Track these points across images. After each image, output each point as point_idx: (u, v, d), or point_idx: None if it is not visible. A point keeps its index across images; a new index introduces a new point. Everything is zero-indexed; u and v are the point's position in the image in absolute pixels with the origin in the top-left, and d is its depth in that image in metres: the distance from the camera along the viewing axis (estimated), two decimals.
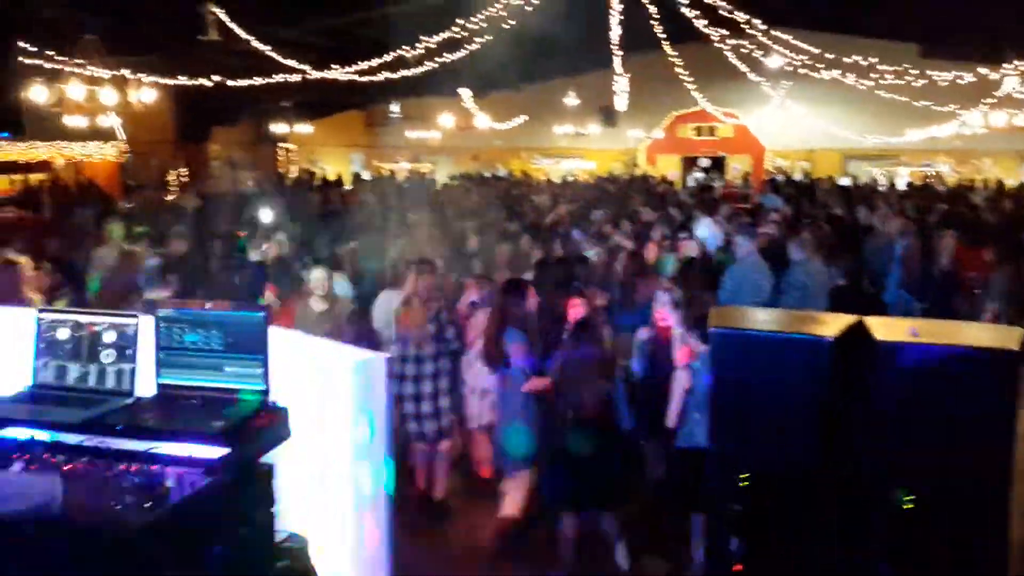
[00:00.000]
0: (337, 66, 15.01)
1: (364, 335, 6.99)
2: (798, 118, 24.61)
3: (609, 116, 26.06)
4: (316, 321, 6.06)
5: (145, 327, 2.87)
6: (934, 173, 23.82)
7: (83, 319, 2.91)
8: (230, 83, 15.05)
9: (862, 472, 3.42)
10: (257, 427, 2.64)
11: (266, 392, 2.75)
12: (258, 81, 15.27)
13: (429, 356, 5.97)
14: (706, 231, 9.72)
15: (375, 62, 14.52)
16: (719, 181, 24.09)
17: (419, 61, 14.98)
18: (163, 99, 20.54)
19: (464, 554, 5.69)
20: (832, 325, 3.55)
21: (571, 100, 25.02)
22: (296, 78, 15.00)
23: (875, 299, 7.88)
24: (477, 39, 13.72)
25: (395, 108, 28.57)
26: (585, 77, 23.80)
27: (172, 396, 2.80)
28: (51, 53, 11.09)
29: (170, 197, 17.79)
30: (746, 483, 3.42)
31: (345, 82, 16.47)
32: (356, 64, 14.87)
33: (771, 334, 3.49)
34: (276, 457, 2.76)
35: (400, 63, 14.60)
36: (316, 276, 6.62)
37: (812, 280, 7.60)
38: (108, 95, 11.54)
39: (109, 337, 2.87)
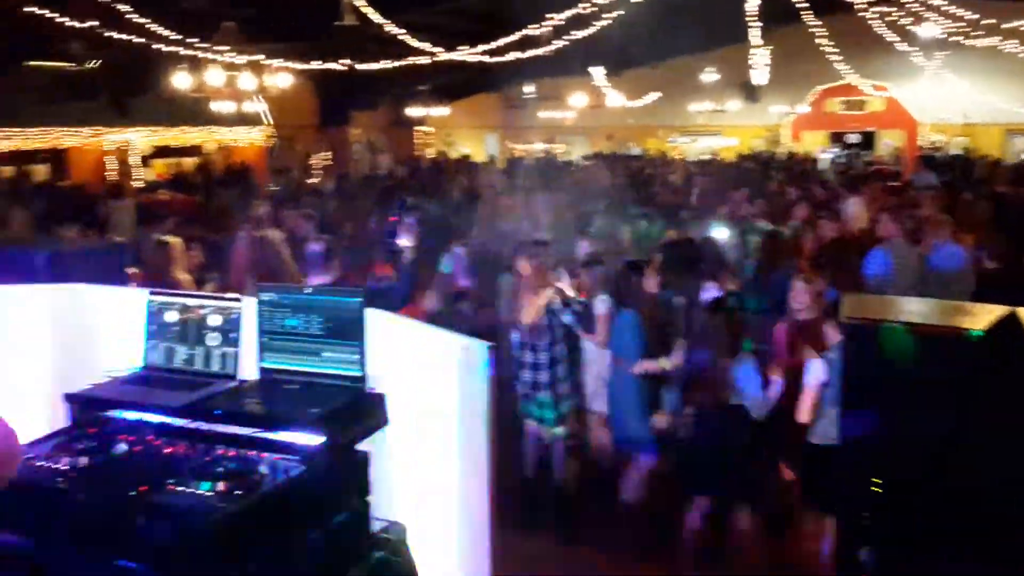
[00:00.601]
0: (466, 47, 15.03)
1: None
2: (955, 90, 22.98)
3: (751, 91, 25.16)
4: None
5: (249, 311, 2.87)
6: None
7: (191, 302, 2.95)
8: (365, 67, 15.31)
9: (1012, 483, 3.08)
10: (353, 414, 2.60)
11: (363, 379, 2.70)
12: (391, 65, 15.48)
13: (544, 343, 5.86)
14: (850, 210, 9.14)
15: (503, 42, 14.45)
16: (863, 157, 22.72)
17: (549, 40, 14.82)
18: (305, 85, 21.26)
19: (578, 543, 5.56)
20: (980, 317, 3.21)
21: (709, 75, 24.28)
22: (429, 60, 15.13)
23: None
24: (607, 15, 13.43)
25: (530, 89, 28.50)
26: (724, 51, 23.02)
27: (273, 381, 2.79)
28: (193, 41, 11.56)
29: (312, 180, 18.36)
30: (879, 489, 3.14)
31: (480, 64, 16.54)
32: (486, 45, 14.85)
33: (910, 326, 3.17)
34: (375, 444, 2.71)
35: (530, 42, 14.48)
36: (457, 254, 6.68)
37: (955, 264, 7.02)
38: (247, 81, 11.95)
39: (215, 320, 2.89)
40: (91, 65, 15.93)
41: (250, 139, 21.50)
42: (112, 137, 18.32)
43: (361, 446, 2.67)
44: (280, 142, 22.86)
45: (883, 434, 3.18)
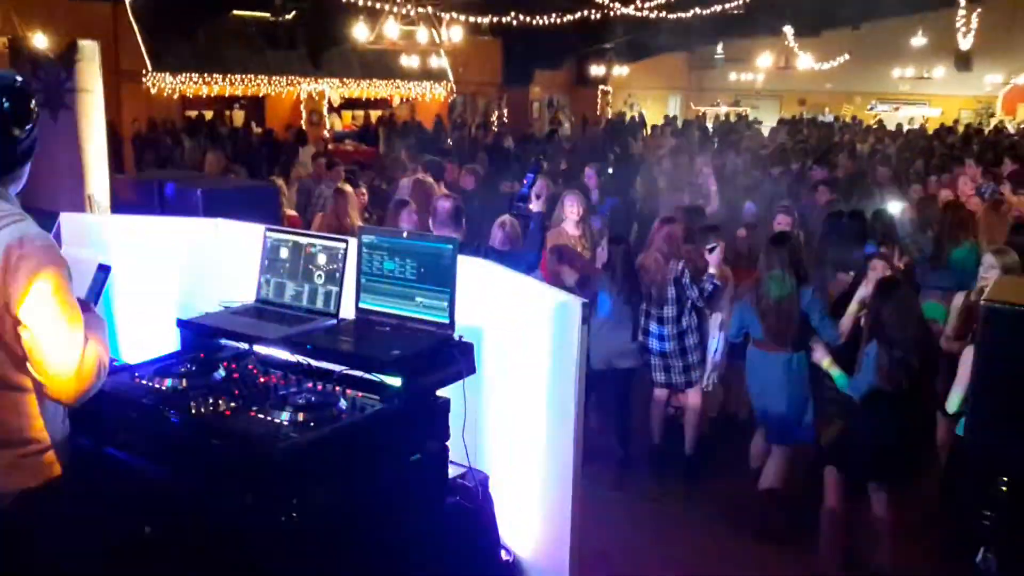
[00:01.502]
0: (640, 2, 14.68)
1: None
2: None
3: (963, 59, 23.22)
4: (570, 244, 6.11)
5: (352, 252, 2.95)
6: None
7: (302, 240, 3.05)
8: (545, 21, 15.29)
9: None
10: (436, 360, 2.62)
11: (450, 325, 2.72)
12: (571, 19, 15.37)
13: (671, 314, 5.73)
14: None
15: None
16: None
17: None
18: (490, 43, 21.57)
19: (681, 513, 5.43)
20: None
21: (916, 40, 22.58)
22: (608, 14, 14.91)
23: None
24: None
25: (719, 49, 27.59)
26: (932, 14, 21.29)
27: (367, 322, 2.86)
28: None
29: (488, 138, 18.63)
30: (1006, 488, 2.86)
31: (665, 21, 16.13)
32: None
33: None
34: (463, 391, 2.73)
35: None
36: (570, 201, 6.60)
37: None
38: (423, 33, 12.22)
39: (321, 259, 2.98)
40: (289, 17, 16.83)
41: (434, 94, 22.07)
42: (306, 87, 19.31)
43: (447, 392, 2.70)
44: (462, 98, 23.35)
45: (1017, 429, 2.89)
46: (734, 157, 12.91)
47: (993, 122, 24.44)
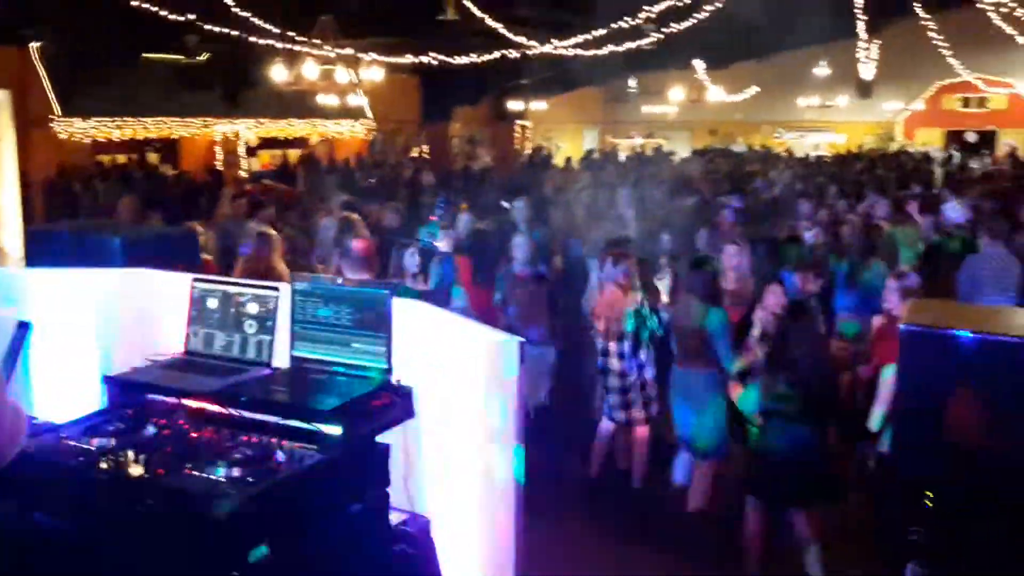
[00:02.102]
0: (560, 40, 14.98)
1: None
2: None
3: (863, 87, 24.24)
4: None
5: (284, 299, 2.91)
6: None
7: (231, 289, 3.00)
8: (463, 61, 15.47)
9: None
10: (375, 407, 2.60)
11: (389, 370, 2.70)
12: (487, 58, 15.58)
13: (627, 348, 5.79)
14: (949, 214, 8.72)
15: (600, 33, 14.33)
16: (980, 160, 21.48)
17: (649, 32, 14.61)
18: (408, 80, 21.62)
19: (626, 544, 5.46)
20: None
21: (819, 70, 23.50)
22: (525, 53, 15.16)
23: None
24: (707, 7, 13.14)
25: (631, 83, 28.21)
26: (834, 45, 22.20)
27: (302, 370, 2.82)
28: (291, 34, 11.88)
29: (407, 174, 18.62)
30: (931, 503, 2.96)
31: (581, 58, 16.43)
32: (583, 36, 14.76)
33: (969, 335, 2.98)
34: (401, 437, 2.71)
35: (628, 35, 14.32)
36: (518, 243, 6.68)
37: None
38: (343, 75, 12.22)
39: (252, 308, 2.93)
40: (202, 58, 16.61)
41: (352, 132, 21.98)
42: (221, 128, 19.03)
43: (387, 438, 2.68)
44: (381, 136, 23.31)
45: (939, 447, 3.00)
46: (650, 188, 13.17)
47: (894, 146, 25.52)
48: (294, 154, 21.07)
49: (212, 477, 2.26)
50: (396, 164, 20.45)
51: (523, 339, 2.87)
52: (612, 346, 5.88)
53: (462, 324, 3.09)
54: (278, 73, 12.52)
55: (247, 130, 19.54)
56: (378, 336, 2.73)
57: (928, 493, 2.95)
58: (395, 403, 2.66)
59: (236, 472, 2.28)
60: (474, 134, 26.96)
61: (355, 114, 20.80)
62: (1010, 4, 14.63)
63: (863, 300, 6.84)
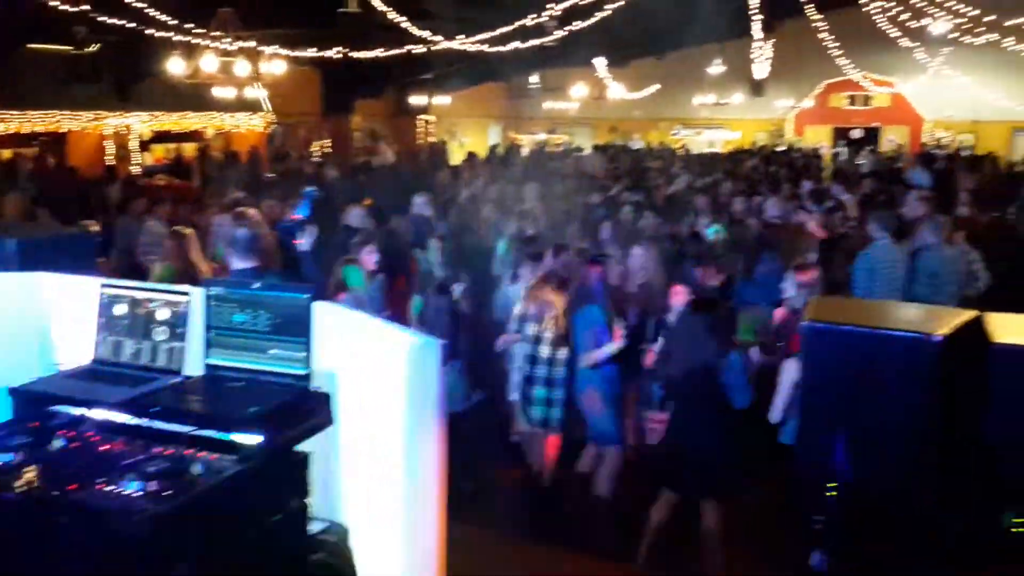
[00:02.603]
0: (465, 36, 14.97)
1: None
2: (961, 87, 22.88)
3: (755, 85, 25.05)
4: None
5: (197, 304, 2.84)
6: None
7: (140, 295, 2.91)
8: (364, 55, 15.29)
9: (969, 491, 3.04)
10: (294, 414, 2.57)
11: (307, 377, 2.67)
12: (391, 53, 15.45)
13: (564, 352, 5.84)
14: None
15: (505, 30, 14.39)
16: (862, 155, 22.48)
17: (552, 30, 14.74)
18: (309, 72, 21.21)
19: (548, 542, 5.53)
20: (945, 322, 3.16)
21: (714, 68, 24.14)
22: (430, 48, 15.09)
23: None
24: (609, 5, 13.35)
25: (534, 79, 28.39)
26: (728, 45, 22.86)
27: (216, 378, 2.76)
28: (190, 26, 11.52)
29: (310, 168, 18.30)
30: (834, 494, 3.10)
31: (484, 54, 16.45)
32: (487, 33, 14.78)
33: (870, 330, 3.13)
34: (320, 444, 2.68)
35: (532, 32, 14.42)
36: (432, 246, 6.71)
37: (945, 268, 6.97)
38: (244, 68, 11.91)
39: (163, 314, 2.86)
40: (92, 49, 15.92)
41: (251, 126, 21.45)
42: (112, 121, 18.29)
43: (306, 445, 2.65)
44: (281, 129, 22.83)
45: (839, 438, 3.15)
46: (555, 184, 13.31)
47: (785, 143, 26.46)
48: (190, 148, 20.45)
49: (126, 492, 2.19)
50: (298, 158, 20.06)
51: (444, 341, 2.89)
52: (543, 351, 5.84)
53: (381, 327, 3.07)
54: (175, 66, 12.11)
55: (140, 124, 18.84)
56: (297, 341, 2.69)
57: (831, 483, 3.08)
58: (314, 410, 2.63)
59: (152, 486, 2.21)
60: (376, 128, 26.68)
61: (253, 107, 20.29)
62: (894, 7, 15.34)
63: (762, 293, 7.09)
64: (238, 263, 4.61)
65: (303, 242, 5.58)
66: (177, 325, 2.83)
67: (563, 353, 5.78)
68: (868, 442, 3.13)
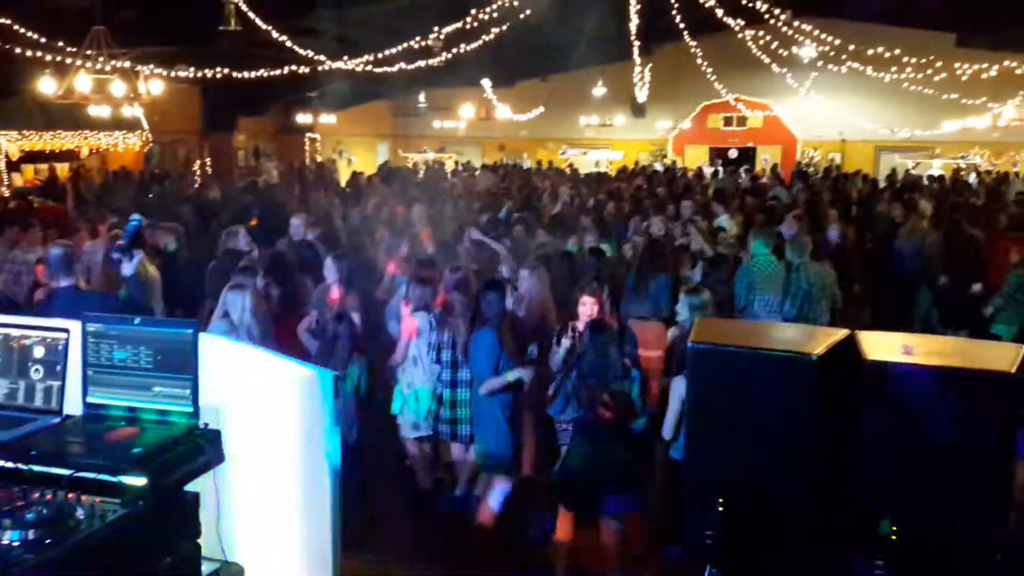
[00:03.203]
0: (348, 57, 14.87)
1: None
2: (829, 109, 24.23)
3: (637, 107, 25.74)
4: None
5: (76, 341, 2.73)
6: (965, 165, 23.23)
7: (14, 332, 2.78)
8: (246, 75, 14.99)
9: (849, 503, 3.20)
10: (181, 453, 2.49)
11: (195, 414, 2.60)
12: (274, 73, 15.20)
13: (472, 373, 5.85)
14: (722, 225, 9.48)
15: (392, 51, 14.36)
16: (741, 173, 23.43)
17: (438, 51, 14.80)
18: (189, 89, 20.62)
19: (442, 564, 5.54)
20: (820, 341, 3.33)
21: (597, 90, 24.69)
22: (320, 68, 14.92)
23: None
24: (494, 28, 13.51)
25: (422, 98, 28.40)
26: (611, 67, 23.45)
27: (98, 418, 2.66)
28: (60, 44, 11.06)
29: (193, 188, 17.76)
30: (722, 509, 3.22)
31: (371, 72, 16.35)
32: (374, 54, 14.72)
33: (750, 350, 3.27)
34: (211, 482, 2.62)
35: (418, 54, 14.43)
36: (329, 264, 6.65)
37: (815, 285, 7.35)
38: (119, 87, 11.48)
39: (39, 352, 2.73)
40: None
41: (127, 144, 20.67)
42: None
43: (195, 484, 2.57)
44: (160, 148, 22.11)
45: (727, 456, 3.27)
46: (446, 203, 13.34)
47: (667, 162, 27.28)
48: (63, 167, 19.53)
49: (4, 542, 2.09)
50: (178, 178, 19.43)
51: (337, 372, 2.86)
52: (456, 373, 5.89)
53: (271, 359, 3.02)
54: (46, 86, 11.56)
55: (8, 143, 17.89)
56: (182, 378, 2.62)
57: (720, 499, 3.19)
58: (203, 448, 2.56)
59: (32, 534, 2.12)
60: (260, 146, 26.14)
61: (130, 125, 19.54)
62: (763, 35, 16.13)
63: (650, 308, 7.28)
64: (53, 283, 4.52)
65: (126, 267, 5.43)
66: (55, 363, 2.72)
67: (466, 374, 5.85)
68: (751, 458, 3.27)
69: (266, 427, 2.84)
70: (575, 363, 5.14)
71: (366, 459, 5.82)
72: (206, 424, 2.62)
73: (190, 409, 2.60)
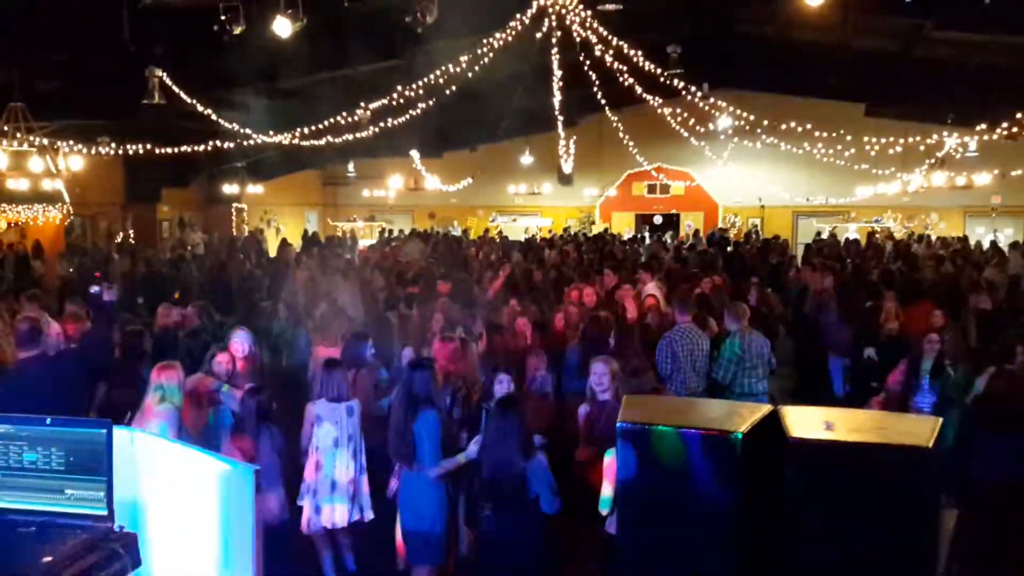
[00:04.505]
0: (273, 132, 14.88)
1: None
2: (748, 176, 25.15)
3: (563, 175, 26.25)
4: None
5: None
6: (879, 228, 24.21)
7: None
8: (173, 150, 14.86)
9: None
10: (95, 560, 2.39)
11: (109, 517, 2.50)
12: (198, 149, 15.11)
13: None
14: (648, 293, 9.63)
15: (319, 126, 14.41)
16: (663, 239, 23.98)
17: (365, 125, 14.90)
18: (111, 161, 20.28)
19: None
20: (744, 418, 3.39)
21: (526, 159, 25.12)
22: (247, 143, 14.88)
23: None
24: (420, 104, 13.68)
25: (351, 168, 28.47)
26: (538, 137, 23.92)
27: (6, 523, 2.53)
28: None
29: (113, 261, 17.35)
30: None
31: (298, 145, 16.36)
32: (301, 128, 14.74)
33: (677, 429, 3.30)
34: None
35: (347, 127, 14.51)
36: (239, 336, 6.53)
37: (750, 352, 7.48)
38: (37, 163, 11.27)
39: None
40: None
41: (48, 218, 20.14)
42: None
43: None
44: (82, 220, 21.62)
45: (658, 534, 3.28)
46: (376, 275, 13.28)
47: (596, 229, 27.75)
48: None
49: None
50: (99, 250, 18.98)
51: (257, 467, 2.80)
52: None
53: (191, 454, 2.94)
54: None
55: None
56: (95, 479, 2.52)
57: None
58: (119, 553, 2.46)
59: None
60: (185, 217, 25.78)
61: (50, 199, 19.07)
62: (680, 111, 16.77)
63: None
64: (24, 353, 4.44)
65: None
66: None
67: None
68: (679, 534, 3.28)
69: (188, 526, 2.75)
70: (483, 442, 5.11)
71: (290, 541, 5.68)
72: (121, 527, 2.52)
73: (104, 512, 2.50)
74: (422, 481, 5.34)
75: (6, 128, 10.74)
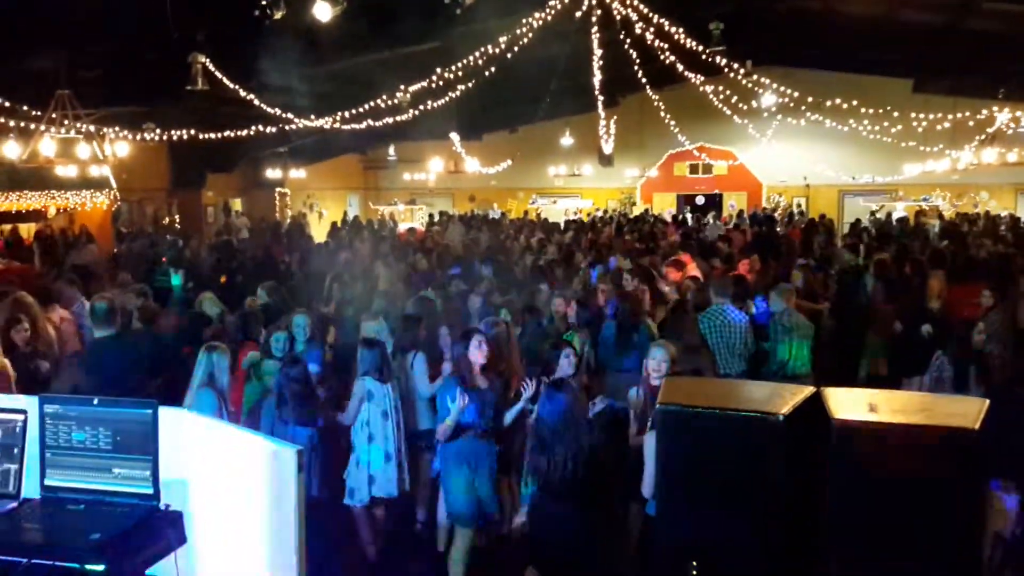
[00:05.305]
0: (315, 116, 14.96)
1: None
2: (792, 155, 24.72)
3: (604, 156, 26.07)
4: None
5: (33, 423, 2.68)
6: (927, 207, 23.67)
7: None
8: (213, 136, 15.03)
9: (819, 562, 3.20)
10: (141, 537, 2.44)
11: (155, 495, 2.55)
12: (242, 134, 15.26)
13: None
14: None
15: (360, 109, 14.47)
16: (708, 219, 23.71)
17: (406, 108, 14.94)
18: (157, 147, 20.60)
19: None
20: (786, 400, 3.35)
21: (566, 140, 24.99)
22: (289, 127, 15.00)
23: None
24: (460, 86, 13.67)
25: (391, 151, 28.58)
26: (578, 118, 23.78)
27: (57, 501, 2.60)
28: (25, 108, 11.06)
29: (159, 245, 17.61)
30: (696, 570, 3.20)
31: (339, 129, 16.46)
32: (341, 112, 14.82)
33: (717, 411, 3.28)
34: (173, 565, 2.55)
35: (385, 110, 14.56)
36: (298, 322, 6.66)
37: (799, 330, 7.43)
38: (84, 149, 11.47)
39: None
40: None
41: (95, 202, 20.53)
42: None
43: (157, 568, 2.52)
44: (128, 206, 21.99)
45: (698, 517, 3.26)
46: (421, 258, 13.35)
47: (637, 210, 27.55)
48: (27, 228, 19.35)
49: None
50: (147, 236, 19.30)
51: (300, 447, 2.82)
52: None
53: (235, 434, 2.97)
54: (11, 150, 11.54)
55: None
56: (142, 459, 2.58)
57: (693, 561, 3.17)
58: (164, 531, 2.51)
59: None
60: (230, 202, 26.11)
61: (97, 184, 19.42)
62: (723, 88, 16.55)
63: (637, 361, 7.19)
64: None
65: None
66: (12, 445, 2.66)
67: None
68: (721, 518, 3.26)
69: (232, 505, 2.78)
70: (536, 431, 5.07)
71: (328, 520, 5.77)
72: (167, 506, 2.57)
73: (150, 491, 2.55)
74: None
75: (54, 115, 10.93)
